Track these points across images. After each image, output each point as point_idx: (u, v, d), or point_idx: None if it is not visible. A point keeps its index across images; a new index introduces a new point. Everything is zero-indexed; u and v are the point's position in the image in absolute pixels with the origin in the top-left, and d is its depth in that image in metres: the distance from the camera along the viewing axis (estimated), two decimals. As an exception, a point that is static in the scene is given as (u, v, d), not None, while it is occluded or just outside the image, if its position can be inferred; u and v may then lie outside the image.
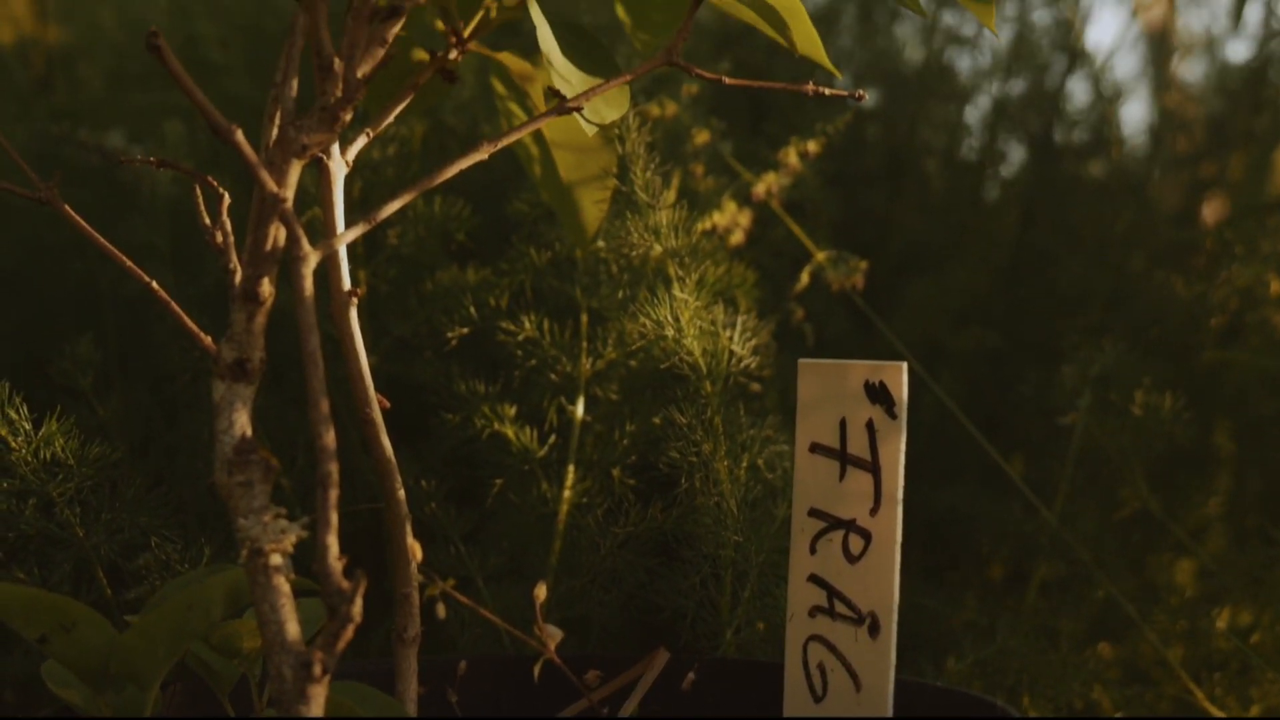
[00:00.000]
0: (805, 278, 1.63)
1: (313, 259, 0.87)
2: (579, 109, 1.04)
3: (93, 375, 1.49)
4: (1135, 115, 4.18)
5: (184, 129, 1.73)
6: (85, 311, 1.78)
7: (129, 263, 1.03)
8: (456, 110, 1.78)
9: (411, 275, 1.60)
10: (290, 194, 0.91)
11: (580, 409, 1.47)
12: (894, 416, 1.07)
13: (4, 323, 1.84)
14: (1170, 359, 1.85)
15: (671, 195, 1.49)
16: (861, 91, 1.07)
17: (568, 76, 1.06)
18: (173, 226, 1.69)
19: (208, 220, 0.98)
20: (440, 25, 1.12)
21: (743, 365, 1.34)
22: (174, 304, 1.01)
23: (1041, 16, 2.34)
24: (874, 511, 1.07)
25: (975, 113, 2.39)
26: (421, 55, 1.17)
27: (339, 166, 1.02)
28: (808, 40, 1.09)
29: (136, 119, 2.06)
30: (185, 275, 1.65)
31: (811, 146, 1.64)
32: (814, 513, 1.09)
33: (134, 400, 1.66)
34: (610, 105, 1.09)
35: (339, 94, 0.93)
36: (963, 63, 2.38)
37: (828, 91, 1.06)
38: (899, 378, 1.07)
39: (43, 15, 2.45)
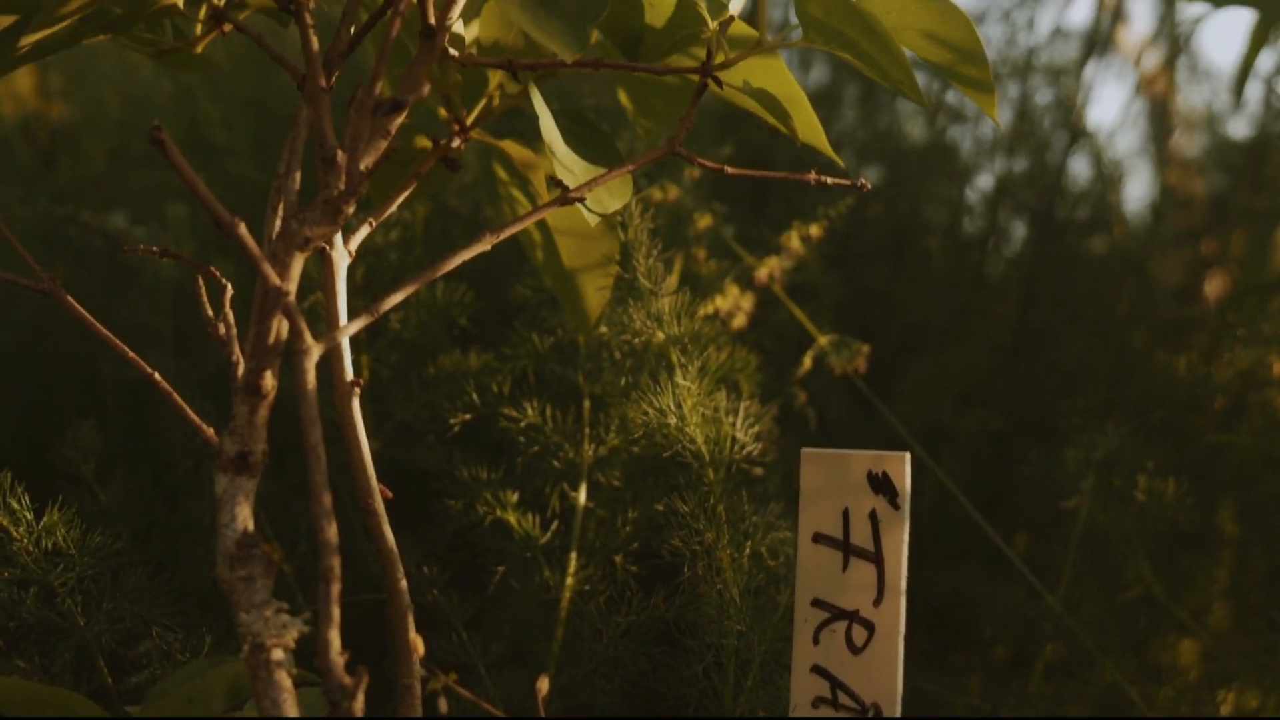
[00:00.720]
0: (808, 362, 1.63)
1: (315, 352, 0.87)
2: (581, 199, 1.04)
3: (94, 461, 1.48)
4: (1137, 192, 4.19)
5: (187, 211, 1.74)
6: (87, 395, 1.77)
7: (131, 353, 1.03)
8: (459, 193, 1.78)
9: (414, 360, 1.60)
10: (293, 287, 0.91)
11: (583, 495, 1.46)
12: (897, 507, 1.06)
13: (6, 406, 1.83)
14: (1172, 439, 1.84)
15: (674, 281, 1.49)
16: (864, 181, 1.07)
17: (570, 166, 1.06)
18: (175, 309, 1.69)
19: (210, 312, 0.98)
20: (443, 113, 1.12)
21: (745, 451, 1.34)
22: (175, 395, 1.01)
23: (1043, 95, 2.35)
24: (877, 602, 1.07)
25: (977, 191, 2.40)
26: (424, 142, 1.17)
27: (342, 256, 1.02)
28: (809, 128, 1.10)
29: (139, 199, 2.06)
30: (188, 359, 1.65)
31: (814, 230, 1.64)
32: (817, 603, 1.09)
33: (136, 486, 1.65)
34: (613, 195, 1.09)
35: (342, 186, 0.93)
36: (964, 141, 2.38)
37: (830, 181, 1.06)
38: (902, 468, 1.06)
39: (46, 92, 2.46)
